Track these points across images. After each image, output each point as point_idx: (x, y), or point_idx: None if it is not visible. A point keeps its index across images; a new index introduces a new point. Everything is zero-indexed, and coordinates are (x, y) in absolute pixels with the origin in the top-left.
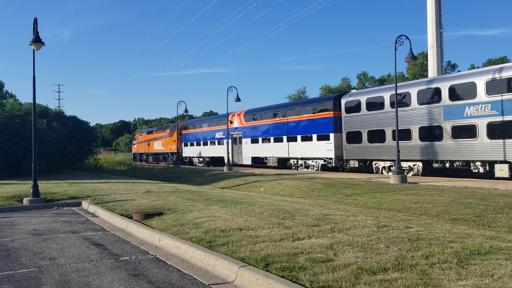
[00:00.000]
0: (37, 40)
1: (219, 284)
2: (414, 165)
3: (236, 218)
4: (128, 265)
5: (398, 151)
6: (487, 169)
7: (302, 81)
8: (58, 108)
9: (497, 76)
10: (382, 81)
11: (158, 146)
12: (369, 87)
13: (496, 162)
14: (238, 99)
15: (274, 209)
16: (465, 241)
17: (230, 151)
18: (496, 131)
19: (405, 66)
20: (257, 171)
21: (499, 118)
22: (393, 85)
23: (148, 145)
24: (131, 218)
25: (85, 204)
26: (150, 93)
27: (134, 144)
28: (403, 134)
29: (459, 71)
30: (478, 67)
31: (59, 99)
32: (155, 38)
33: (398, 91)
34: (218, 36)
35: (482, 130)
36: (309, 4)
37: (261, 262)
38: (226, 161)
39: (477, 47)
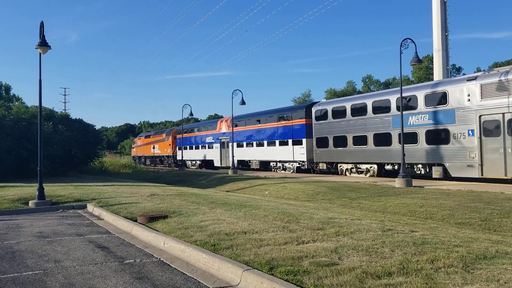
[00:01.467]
0: (43, 44)
1: (223, 287)
2: (370, 167)
3: (240, 222)
4: (132, 268)
5: (404, 155)
6: (427, 170)
7: (308, 84)
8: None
9: (433, 90)
10: (387, 84)
11: (155, 150)
12: (374, 90)
13: (434, 164)
14: (243, 102)
15: (278, 213)
16: (470, 245)
17: (219, 155)
18: (432, 137)
19: (410, 70)
20: (262, 174)
21: (435, 127)
22: (353, 96)
23: (146, 148)
24: (135, 221)
25: (90, 207)
26: (155, 96)
27: (133, 148)
28: (361, 140)
29: (464, 74)
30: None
31: (65, 102)
32: (160, 41)
33: (358, 102)
34: (223, 39)
35: (421, 137)
36: (314, 7)
37: (265, 265)
38: (215, 164)
39: (483, 50)
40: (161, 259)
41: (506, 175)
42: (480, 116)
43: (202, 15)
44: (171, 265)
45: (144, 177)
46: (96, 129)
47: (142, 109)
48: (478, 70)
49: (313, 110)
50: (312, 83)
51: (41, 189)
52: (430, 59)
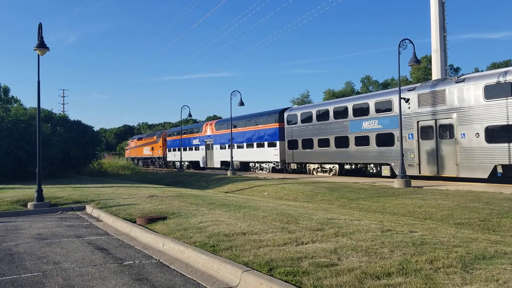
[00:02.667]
0: (41, 45)
1: None
2: (333, 167)
3: (239, 223)
4: (131, 269)
5: (402, 155)
6: (378, 169)
7: (306, 85)
8: (62, 113)
9: (381, 98)
10: (385, 85)
11: (147, 151)
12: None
13: (383, 164)
14: (241, 103)
15: (277, 214)
16: (470, 245)
17: (204, 156)
18: (381, 140)
19: (408, 70)
20: (261, 175)
21: (383, 131)
22: (318, 103)
23: (139, 150)
24: (135, 222)
25: (89, 209)
26: (154, 97)
27: (127, 150)
28: (325, 142)
29: (463, 74)
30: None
31: (63, 104)
32: (159, 42)
33: (322, 108)
34: (222, 41)
35: (372, 140)
36: (313, 8)
37: (264, 266)
38: (201, 164)
39: (481, 50)
40: (160, 260)
41: (438, 173)
42: (418, 122)
43: (200, 16)
44: (170, 266)
45: (143, 179)
46: (95, 130)
47: (141, 111)
48: (476, 70)
49: (285, 115)
50: (310, 84)
51: (39, 191)
52: (429, 60)
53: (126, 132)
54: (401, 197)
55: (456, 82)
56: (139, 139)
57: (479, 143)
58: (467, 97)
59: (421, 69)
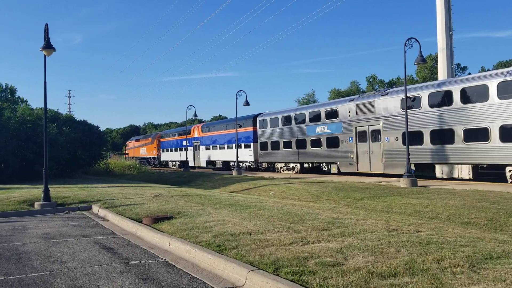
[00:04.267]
0: (48, 46)
1: None
2: (295, 166)
3: (245, 222)
4: (138, 269)
5: (408, 154)
6: (329, 167)
7: (312, 85)
8: (68, 113)
9: (330, 107)
10: (391, 84)
11: (143, 152)
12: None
13: (331, 163)
14: (247, 103)
15: (283, 213)
16: (477, 245)
17: (192, 156)
18: (330, 143)
19: (414, 69)
20: (266, 175)
21: (331, 135)
22: (284, 109)
23: (136, 151)
24: (141, 222)
25: (95, 208)
26: (159, 97)
27: (125, 150)
28: (288, 144)
29: (469, 73)
30: (488, 70)
31: (69, 104)
32: (164, 42)
33: (286, 114)
34: (227, 40)
35: (323, 142)
36: (318, 7)
37: (270, 266)
38: (190, 164)
39: (487, 49)
40: (166, 260)
41: (370, 170)
42: (356, 127)
43: (205, 16)
44: (176, 266)
45: (148, 178)
46: (101, 130)
47: (147, 111)
48: (483, 69)
49: (257, 120)
50: (316, 83)
51: (46, 191)
52: (435, 59)
53: (132, 132)
54: (407, 197)
55: (382, 95)
56: (136, 140)
57: (398, 145)
58: (390, 107)
59: (427, 68)
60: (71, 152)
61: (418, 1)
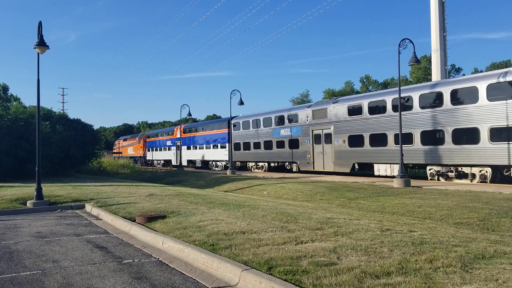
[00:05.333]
0: (41, 44)
1: (222, 287)
2: (264, 165)
3: (239, 222)
4: (131, 268)
5: (402, 155)
6: (291, 166)
7: (306, 84)
8: (62, 111)
9: (291, 112)
10: (385, 85)
11: (131, 151)
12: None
13: (293, 162)
14: (241, 103)
15: (277, 213)
16: (469, 245)
17: (175, 155)
18: (292, 144)
19: (408, 70)
20: (260, 174)
21: (292, 137)
22: (255, 113)
23: (124, 150)
24: (134, 221)
25: (88, 207)
26: (154, 96)
27: (114, 149)
28: (258, 145)
29: (464, 75)
30: (481, 71)
31: (63, 102)
32: (159, 41)
33: (256, 118)
34: (221, 40)
35: (286, 144)
36: (313, 7)
37: (264, 265)
38: (173, 162)
39: (481, 50)
40: (159, 259)
41: (324, 169)
42: (312, 131)
43: (200, 15)
44: (169, 265)
45: (142, 177)
46: (95, 129)
47: (141, 109)
48: (476, 70)
49: (232, 122)
50: (310, 83)
51: (39, 189)
52: (429, 60)
53: (126, 131)
54: (401, 197)
55: (333, 103)
56: (124, 140)
57: (345, 147)
58: (339, 114)
59: (421, 69)
60: (64, 150)
61: (413, 1)
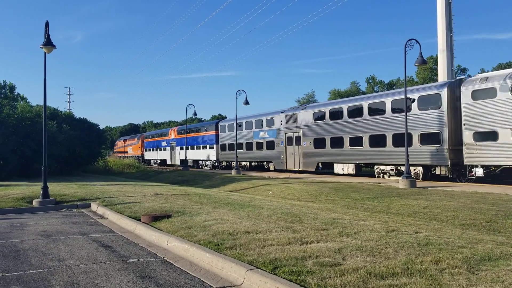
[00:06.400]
0: (48, 43)
1: (226, 287)
2: (246, 164)
3: (244, 221)
4: (136, 267)
5: (408, 156)
6: (268, 166)
7: (312, 85)
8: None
9: (269, 117)
10: (391, 85)
11: (130, 151)
12: (378, 91)
13: (270, 162)
14: (246, 103)
15: (282, 213)
16: (475, 246)
17: (169, 155)
18: (269, 145)
19: (414, 70)
20: (265, 174)
21: (269, 139)
22: (239, 117)
23: (124, 150)
24: (139, 220)
25: (94, 206)
26: (159, 96)
27: (115, 149)
28: (240, 146)
29: (470, 76)
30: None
31: (69, 102)
32: (165, 41)
33: (240, 121)
34: (227, 40)
35: (264, 145)
36: (319, 7)
37: (269, 265)
38: (168, 162)
39: (488, 51)
40: (164, 258)
41: (294, 168)
42: (285, 134)
43: (206, 15)
44: (174, 264)
45: (147, 177)
46: (100, 128)
47: (147, 109)
48: (482, 71)
49: (219, 125)
50: (316, 83)
51: (45, 188)
52: (435, 60)
53: (132, 131)
54: (406, 198)
55: (302, 109)
56: (124, 140)
57: (311, 148)
58: (306, 119)
59: (427, 70)
60: (70, 150)
61: (419, 2)
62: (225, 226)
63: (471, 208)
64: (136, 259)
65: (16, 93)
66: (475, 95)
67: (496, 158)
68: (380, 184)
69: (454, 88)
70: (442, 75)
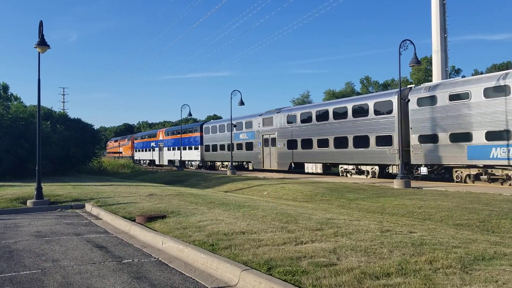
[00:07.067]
0: (42, 43)
1: (221, 287)
2: (227, 164)
3: (239, 222)
4: (130, 267)
5: (402, 156)
6: (247, 165)
7: (307, 85)
8: (62, 111)
9: (248, 120)
10: (386, 86)
11: (121, 151)
12: (372, 91)
13: (248, 162)
14: (242, 103)
15: (277, 213)
16: (469, 246)
17: (158, 156)
18: (248, 146)
19: (409, 71)
20: (261, 175)
21: (248, 140)
22: (220, 120)
23: (115, 150)
24: (134, 220)
25: (88, 207)
26: (154, 96)
27: (107, 149)
28: (222, 147)
29: (464, 76)
30: (482, 72)
31: (63, 102)
32: (160, 41)
33: (221, 124)
34: (222, 40)
35: (244, 146)
36: (313, 8)
37: (263, 265)
38: (156, 162)
39: (482, 52)
40: (159, 259)
41: (270, 167)
42: (262, 135)
43: (201, 15)
44: (169, 265)
45: (142, 177)
46: (95, 128)
47: (142, 109)
48: (476, 72)
49: (203, 127)
50: (311, 83)
51: (39, 189)
52: (429, 61)
53: (126, 131)
54: (401, 198)
55: (277, 113)
56: (115, 141)
57: (285, 149)
58: (281, 122)
59: (421, 70)
60: (65, 150)
61: (414, 2)
62: (220, 227)
63: (465, 208)
64: (130, 260)
65: (9, 93)
66: (420, 102)
67: (437, 158)
68: (374, 184)
69: (405, 95)
70: (437, 76)
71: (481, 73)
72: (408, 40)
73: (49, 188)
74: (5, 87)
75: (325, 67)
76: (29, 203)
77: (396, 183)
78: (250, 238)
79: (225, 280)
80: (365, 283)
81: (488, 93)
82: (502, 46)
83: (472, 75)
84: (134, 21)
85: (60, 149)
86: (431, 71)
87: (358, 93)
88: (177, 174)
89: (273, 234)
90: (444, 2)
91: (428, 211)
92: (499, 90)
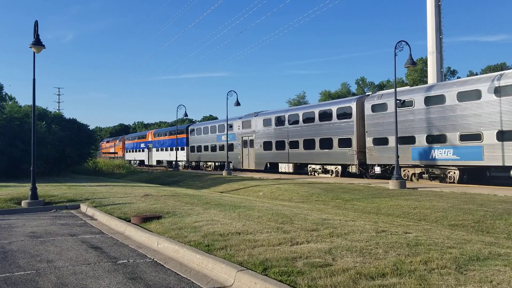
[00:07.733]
0: (37, 43)
1: None
2: (211, 164)
3: (234, 222)
4: (125, 268)
5: (397, 156)
6: (229, 165)
7: (302, 86)
8: (57, 111)
9: (229, 123)
10: (381, 87)
11: (113, 151)
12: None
13: (230, 162)
14: (237, 104)
15: (272, 214)
16: (464, 247)
17: (147, 156)
18: (229, 148)
19: (404, 72)
20: (256, 175)
21: (230, 142)
22: (208, 122)
23: (108, 150)
24: (129, 221)
25: (83, 207)
26: (150, 96)
27: (99, 150)
28: (207, 148)
29: (459, 77)
30: (477, 73)
31: (59, 102)
32: (156, 41)
33: (209, 125)
34: (218, 40)
35: (225, 147)
36: (310, 9)
37: (259, 266)
38: (145, 162)
39: (477, 53)
40: (154, 259)
41: (249, 167)
42: (242, 137)
43: (197, 16)
44: (164, 265)
45: (138, 178)
46: (90, 129)
47: (137, 110)
48: (471, 73)
49: (189, 128)
50: (307, 84)
51: (34, 189)
52: (425, 62)
53: (122, 131)
54: (396, 198)
55: (255, 116)
56: (107, 141)
57: (261, 150)
58: (258, 125)
59: (417, 71)
60: (60, 150)
61: (409, 3)
62: (215, 227)
63: (460, 208)
64: (125, 261)
65: (4, 93)
66: (374, 108)
67: (387, 159)
68: (370, 185)
69: (362, 102)
70: (432, 77)
71: (476, 74)
72: (404, 41)
73: (44, 189)
74: (0, 87)
75: (321, 68)
76: (23, 204)
77: (392, 184)
78: (245, 238)
79: (220, 281)
80: (361, 284)
81: (428, 101)
82: (497, 47)
83: (467, 76)
84: (130, 21)
85: (55, 149)
86: (426, 72)
87: (353, 94)
88: (173, 175)
89: (268, 234)
90: (440, 3)
91: (423, 211)
92: (437, 99)
